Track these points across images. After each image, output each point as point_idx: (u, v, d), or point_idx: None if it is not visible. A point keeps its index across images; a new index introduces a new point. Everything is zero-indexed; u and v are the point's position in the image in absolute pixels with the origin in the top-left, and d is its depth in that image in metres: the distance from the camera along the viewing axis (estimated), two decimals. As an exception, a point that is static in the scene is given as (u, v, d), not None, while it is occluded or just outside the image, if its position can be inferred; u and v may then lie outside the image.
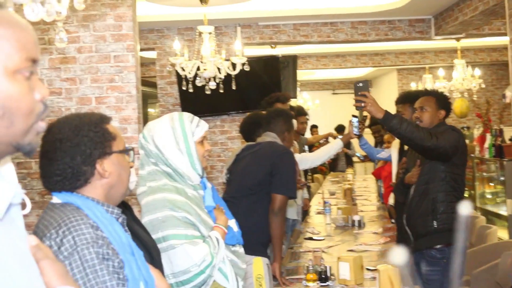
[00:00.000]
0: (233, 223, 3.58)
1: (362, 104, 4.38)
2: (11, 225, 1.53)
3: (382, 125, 6.12)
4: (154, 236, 3.07)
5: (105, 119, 2.42)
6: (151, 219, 3.20)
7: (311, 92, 20.58)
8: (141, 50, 9.66)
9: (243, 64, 7.24)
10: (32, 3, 2.90)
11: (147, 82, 11.74)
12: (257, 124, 5.56)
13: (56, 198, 2.31)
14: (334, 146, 6.22)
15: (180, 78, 8.16)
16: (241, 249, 3.63)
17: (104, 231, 2.22)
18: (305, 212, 7.72)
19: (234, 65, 7.30)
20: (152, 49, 9.38)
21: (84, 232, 2.14)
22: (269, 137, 5.21)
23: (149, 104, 13.84)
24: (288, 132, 5.34)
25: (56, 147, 2.31)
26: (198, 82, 7.45)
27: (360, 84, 4.50)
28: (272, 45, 10.64)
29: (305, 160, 6.25)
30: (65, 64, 5.46)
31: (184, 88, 7.71)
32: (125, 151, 2.42)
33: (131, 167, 2.46)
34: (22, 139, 1.47)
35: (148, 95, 12.98)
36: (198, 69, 7.41)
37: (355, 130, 5.45)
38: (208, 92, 7.54)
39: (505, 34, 6.99)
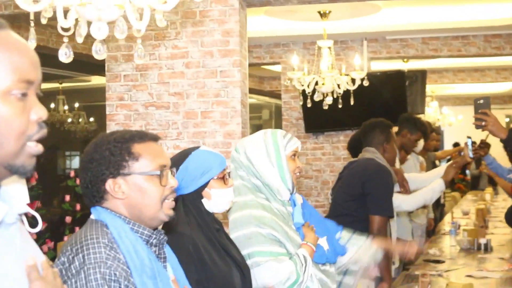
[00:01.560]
0: (323, 241, 3.51)
1: (483, 123, 4.16)
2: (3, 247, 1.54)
3: (505, 146, 5.78)
4: (243, 252, 3.10)
5: (134, 138, 2.39)
6: (237, 235, 3.22)
7: (453, 108, 20.05)
8: (266, 64, 9.79)
9: (362, 79, 7.15)
10: (99, 22, 2.91)
11: (276, 95, 11.80)
12: (359, 140, 5.45)
13: (92, 214, 2.36)
14: (436, 188, 5.64)
15: (304, 94, 8.15)
16: (331, 268, 3.56)
17: (122, 251, 2.22)
18: (430, 232, 7.49)
19: (353, 81, 7.22)
20: (278, 63, 9.39)
21: (96, 251, 2.13)
22: (369, 152, 5.09)
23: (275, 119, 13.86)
24: (387, 142, 5.13)
25: (81, 162, 2.42)
26: (316, 97, 7.43)
27: (481, 101, 4.29)
28: (404, 59, 10.40)
29: (413, 181, 5.95)
30: (174, 79, 5.54)
31: (301, 103, 7.79)
32: (152, 173, 2.35)
33: (172, 189, 2.40)
34: (13, 161, 1.49)
35: (276, 110, 13.08)
36: (316, 83, 7.37)
37: (470, 153, 5.18)
38: (325, 108, 7.55)
39: None
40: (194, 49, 5.48)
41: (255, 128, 13.94)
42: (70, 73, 9.95)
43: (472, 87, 16.44)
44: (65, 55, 3.22)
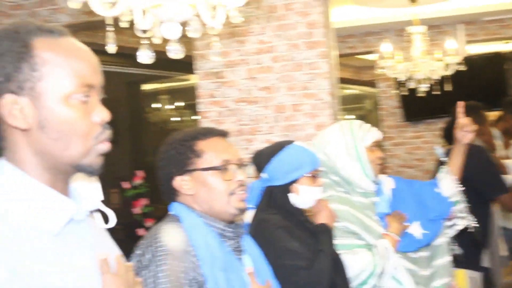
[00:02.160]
0: (414, 228, 3.50)
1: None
2: (69, 241, 1.58)
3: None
4: None
5: (197, 136, 2.49)
6: None
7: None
8: (360, 53, 9.73)
9: (458, 64, 7.02)
10: (169, 22, 2.98)
11: (369, 84, 11.72)
12: (452, 126, 5.36)
13: (170, 209, 2.48)
14: None
15: (397, 81, 8.11)
16: (425, 253, 3.54)
17: (193, 244, 2.30)
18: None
19: (447, 66, 7.10)
20: (372, 52, 9.31)
21: (166, 244, 2.23)
22: None
23: (369, 108, 13.71)
24: (480, 124, 4.96)
25: (156, 162, 2.54)
26: (411, 85, 7.35)
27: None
28: (503, 41, 10.10)
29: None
30: (261, 74, 5.60)
31: (395, 91, 7.76)
32: (215, 168, 2.40)
33: (241, 183, 2.45)
34: (80, 161, 1.56)
35: (369, 97, 13.00)
36: (410, 71, 7.30)
37: None
38: (421, 95, 7.47)
39: None
40: (279, 43, 5.53)
41: (359, 118, 13.79)
42: (168, 73, 10.20)
43: None
44: (146, 56, 3.32)
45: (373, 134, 3.41)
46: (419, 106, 9.22)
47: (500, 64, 9.18)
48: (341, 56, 9.02)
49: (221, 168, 2.41)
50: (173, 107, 11.80)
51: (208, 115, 5.81)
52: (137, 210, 8.15)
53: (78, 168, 1.58)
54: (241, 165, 2.48)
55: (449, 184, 3.65)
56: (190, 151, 2.43)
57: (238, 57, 5.66)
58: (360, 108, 13.86)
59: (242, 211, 2.48)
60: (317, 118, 5.46)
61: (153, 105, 11.86)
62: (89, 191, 1.68)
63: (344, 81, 11.82)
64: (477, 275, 4.46)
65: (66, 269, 1.53)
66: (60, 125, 1.53)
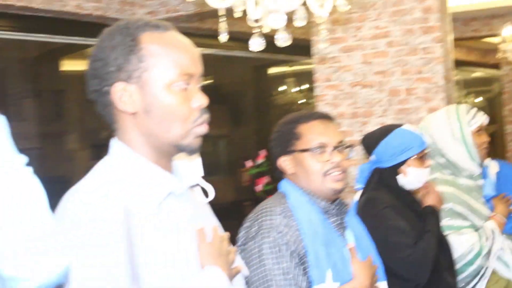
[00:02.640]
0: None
1: None
2: (170, 213, 1.69)
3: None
4: None
5: (299, 120, 2.55)
6: None
7: None
8: (485, 36, 9.46)
9: None
10: (275, 12, 3.10)
11: (493, 66, 11.43)
12: None
13: (279, 186, 2.57)
14: None
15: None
16: None
17: (297, 219, 2.38)
18: None
19: None
20: (496, 34, 9.06)
21: (271, 218, 2.33)
22: None
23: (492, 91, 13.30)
24: None
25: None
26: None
27: None
28: None
29: None
30: (377, 58, 5.64)
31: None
32: (309, 150, 2.47)
33: (337, 164, 2.47)
34: (181, 141, 1.67)
35: (492, 81, 12.63)
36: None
37: None
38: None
39: None
40: (395, 28, 5.53)
41: (487, 101, 13.46)
42: (292, 57, 10.35)
43: None
44: (257, 44, 3.46)
45: (480, 118, 3.40)
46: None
47: None
48: (464, 39, 8.87)
49: (317, 150, 2.46)
50: (298, 89, 11.88)
51: (324, 98, 5.88)
52: (259, 187, 8.23)
53: (179, 148, 1.68)
54: (339, 147, 2.50)
55: None
56: (292, 133, 2.51)
57: (354, 42, 5.69)
58: (488, 91, 13.47)
59: (338, 191, 2.49)
60: (430, 102, 5.44)
61: (279, 88, 11.97)
62: (191, 167, 1.79)
63: (469, 64, 11.57)
64: None
65: (167, 238, 1.64)
66: (163, 110, 1.64)
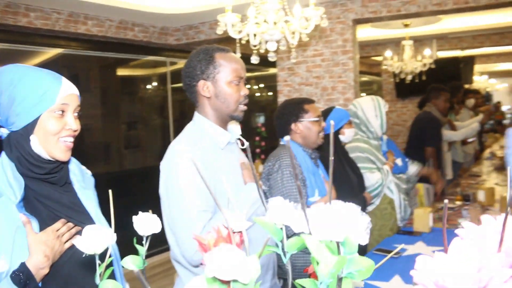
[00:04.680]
0: (398, 161, 3.52)
1: None
2: (230, 153, 1.80)
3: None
4: None
5: (305, 101, 2.58)
6: (351, 156, 3.25)
7: (500, 79, 18.52)
8: (373, 56, 9.50)
9: (430, 64, 7.01)
10: (271, 42, 3.18)
11: (376, 74, 11.55)
12: (424, 100, 5.47)
13: (281, 141, 2.61)
14: (473, 128, 5.55)
15: (394, 74, 8.08)
16: (404, 176, 3.57)
17: (299, 161, 2.45)
18: (476, 158, 7.25)
19: (424, 65, 7.09)
20: (379, 55, 9.21)
21: (287, 160, 2.37)
22: (427, 106, 5.07)
23: (377, 90, 13.40)
24: (435, 99, 5.06)
25: (275, 113, 2.64)
26: (402, 76, 7.36)
27: None
28: (460, 49, 9.83)
29: (461, 126, 5.79)
30: (315, 68, 5.69)
31: (393, 79, 7.77)
32: (315, 120, 2.51)
33: (322, 129, 2.55)
34: (233, 113, 1.78)
35: (376, 83, 12.77)
36: (402, 68, 7.30)
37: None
38: (407, 82, 7.46)
39: None
40: (326, 51, 5.57)
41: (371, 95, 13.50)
42: (258, 67, 10.35)
43: (509, 65, 15.09)
44: (255, 60, 3.55)
45: (387, 106, 3.44)
46: (405, 89, 9.12)
47: (457, 64, 9.02)
48: (361, 57, 9.00)
49: (317, 120, 2.55)
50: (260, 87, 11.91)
51: (282, 92, 5.88)
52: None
53: (232, 117, 1.79)
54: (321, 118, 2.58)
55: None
56: (301, 109, 2.55)
57: (302, 58, 5.70)
58: (371, 89, 13.64)
59: (319, 145, 2.58)
60: (345, 95, 5.49)
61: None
62: (235, 129, 1.87)
63: (363, 72, 11.71)
64: (430, 186, 4.49)
65: (227, 167, 1.74)
66: (225, 96, 1.75)
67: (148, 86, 6.94)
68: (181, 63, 7.04)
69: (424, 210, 3.17)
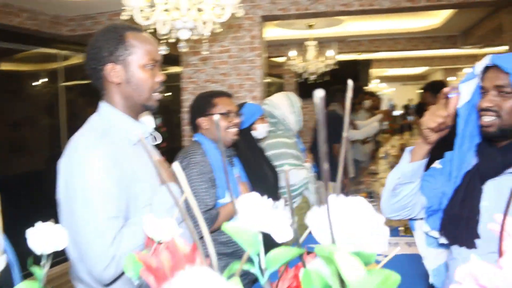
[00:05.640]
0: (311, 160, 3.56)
1: None
2: (140, 148, 1.62)
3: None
4: (275, 163, 3.10)
5: (215, 94, 2.47)
6: (272, 153, 3.22)
7: (389, 83, 19.87)
8: (275, 56, 9.66)
9: (333, 65, 7.19)
10: (184, 29, 2.97)
11: (278, 76, 11.72)
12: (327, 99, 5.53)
13: (194, 137, 2.46)
14: (374, 126, 5.81)
15: (296, 74, 8.20)
16: (316, 175, 3.61)
17: (209, 158, 2.31)
18: (372, 157, 7.53)
19: (327, 66, 7.25)
20: (282, 55, 9.32)
21: (196, 157, 2.26)
22: (330, 106, 5.20)
23: (279, 90, 13.71)
24: (333, 100, 5.25)
25: (190, 108, 2.52)
26: (305, 76, 7.49)
27: None
28: (359, 53, 10.30)
29: (361, 125, 5.99)
30: (222, 65, 5.56)
31: (296, 79, 7.91)
32: (222, 114, 2.41)
33: (235, 124, 2.44)
34: (147, 102, 1.61)
35: (278, 84, 13.00)
36: (305, 68, 7.42)
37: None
38: (310, 82, 7.59)
39: (507, 44, 6.42)
40: (234, 47, 5.49)
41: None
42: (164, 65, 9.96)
43: (400, 70, 16.25)
44: (164, 50, 3.30)
45: (299, 100, 3.44)
46: (308, 89, 9.27)
47: (356, 66, 9.41)
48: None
49: (226, 114, 2.42)
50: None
51: (187, 89, 5.70)
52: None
53: (145, 107, 1.63)
54: (237, 114, 2.48)
55: None
56: (208, 102, 2.44)
57: (208, 54, 5.53)
58: (269, 90, 13.84)
59: (233, 141, 2.47)
60: (253, 93, 5.44)
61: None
62: (148, 121, 1.72)
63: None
64: (336, 184, 4.60)
65: (141, 166, 1.57)
66: (138, 81, 1.58)
67: (36, 83, 6.28)
68: (75, 58, 6.48)
69: None
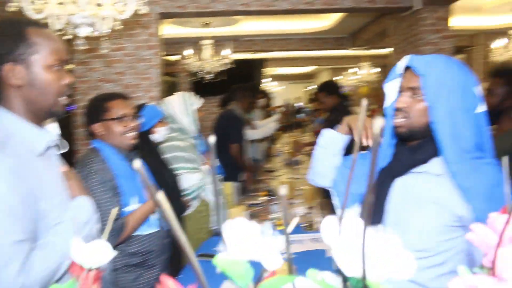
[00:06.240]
0: (216, 161, 3.48)
1: None
2: (48, 160, 1.50)
3: None
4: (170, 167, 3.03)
5: (108, 98, 2.31)
6: (168, 156, 3.13)
7: (279, 82, 20.46)
8: (171, 55, 9.46)
9: (230, 64, 7.20)
10: (84, 26, 2.77)
11: (172, 75, 11.52)
12: (227, 98, 5.51)
13: (91, 144, 2.30)
14: (271, 126, 5.88)
15: (191, 73, 8.07)
16: (221, 176, 3.69)
17: (110, 164, 2.18)
18: (268, 155, 7.65)
19: (224, 65, 7.24)
20: (177, 54, 9.16)
21: (95, 165, 2.12)
22: (231, 105, 5.10)
23: (174, 89, 13.48)
24: (238, 99, 5.18)
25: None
26: (201, 75, 7.42)
27: None
28: (252, 52, 10.44)
29: (259, 125, 6.06)
30: (117, 64, 5.29)
31: (192, 78, 7.80)
32: (115, 118, 2.26)
33: (132, 127, 2.29)
34: (53, 108, 1.46)
35: (173, 84, 12.79)
36: (202, 67, 7.35)
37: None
38: (206, 81, 7.55)
39: (390, 46, 6.88)
40: (129, 45, 5.26)
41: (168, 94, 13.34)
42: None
43: (290, 69, 16.84)
44: None
45: (199, 101, 3.38)
46: (203, 88, 9.20)
47: (250, 65, 9.54)
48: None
49: (120, 118, 2.27)
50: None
51: (78, 89, 5.36)
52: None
53: (51, 113, 1.49)
54: (134, 116, 2.32)
55: None
56: (102, 107, 2.26)
57: (102, 52, 5.25)
58: (161, 90, 13.55)
59: (133, 145, 2.32)
60: (150, 93, 5.28)
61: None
62: (52, 129, 1.58)
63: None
64: (237, 184, 4.63)
65: (48, 176, 1.45)
66: (43, 84, 1.44)
67: None
68: None
69: (239, 209, 3.28)
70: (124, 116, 2.27)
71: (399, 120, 1.45)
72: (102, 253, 0.84)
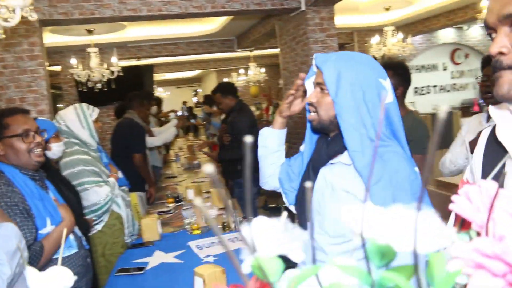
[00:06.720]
0: (120, 173, 3.45)
1: None
2: None
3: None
4: (73, 183, 2.89)
5: (5, 114, 2.15)
6: (69, 172, 3.00)
7: (164, 87, 20.21)
8: (51, 65, 8.94)
9: (118, 72, 6.97)
10: None
11: (55, 87, 10.86)
12: (123, 107, 5.39)
13: None
14: (171, 132, 5.85)
15: (77, 83, 7.66)
16: (126, 188, 3.54)
17: (17, 186, 2.05)
18: (165, 162, 7.56)
19: (112, 73, 6.99)
20: (57, 64, 8.66)
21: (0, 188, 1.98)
22: (129, 113, 4.94)
23: (58, 101, 12.75)
24: (137, 107, 5.07)
25: None
26: (90, 84, 7.10)
27: None
28: (138, 59, 10.19)
29: (158, 131, 5.98)
30: (-5, 77, 4.88)
31: (80, 89, 7.42)
32: (18, 135, 2.12)
33: (37, 143, 2.16)
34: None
35: (57, 95, 12.04)
36: (89, 76, 7.03)
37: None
38: (97, 90, 7.21)
39: (276, 47, 7.13)
40: (8, 55, 4.85)
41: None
42: None
43: (176, 74, 16.68)
44: None
45: (96, 111, 3.26)
46: (94, 98, 8.79)
47: (139, 71, 9.32)
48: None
49: (22, 135, 2.12)
50: None
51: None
52: None
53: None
54: (37, 131, 2.18)
55: None
56: (0, 125, 2.10)
57: None
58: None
59: (40, 163, 2.19)
60: (39, 106, 4.92)
61: None
62: None
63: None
64: (142, 194, 4.57)
65: None
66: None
67: None
68: None
69: (151, 219, 3.25)
70: (26, 131, 2.13)
71: (310, 114, 1.53)
72: (62, 279, 0.80)
